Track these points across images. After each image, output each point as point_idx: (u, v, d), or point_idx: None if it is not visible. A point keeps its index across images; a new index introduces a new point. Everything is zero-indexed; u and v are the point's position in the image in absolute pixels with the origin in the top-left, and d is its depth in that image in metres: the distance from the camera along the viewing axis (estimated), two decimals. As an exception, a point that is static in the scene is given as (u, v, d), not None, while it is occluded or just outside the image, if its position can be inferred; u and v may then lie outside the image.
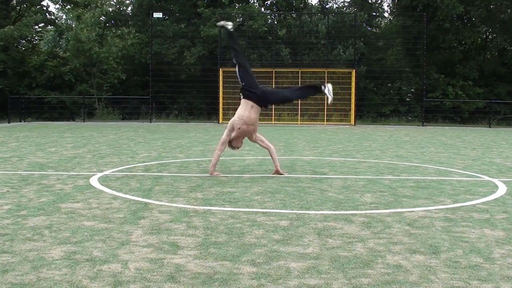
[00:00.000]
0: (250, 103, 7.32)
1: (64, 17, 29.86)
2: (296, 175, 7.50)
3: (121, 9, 32.60)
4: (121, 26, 31.33)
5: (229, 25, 7.78)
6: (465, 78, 28.12)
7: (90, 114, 26.56)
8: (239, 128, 7.29)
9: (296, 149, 11.70)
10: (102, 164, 8.55)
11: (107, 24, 31.49)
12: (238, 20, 28.87)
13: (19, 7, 31.12)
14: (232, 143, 7.50)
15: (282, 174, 7.37)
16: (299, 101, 25.17)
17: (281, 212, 4.99)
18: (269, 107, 7.35)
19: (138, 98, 27.26)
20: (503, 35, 29.71)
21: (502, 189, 6.50)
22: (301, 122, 25.06)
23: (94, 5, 28.49)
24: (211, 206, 5.24)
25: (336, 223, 4.58)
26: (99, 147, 11.64)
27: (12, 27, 26.58)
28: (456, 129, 22.64)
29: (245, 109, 7.32)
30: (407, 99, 27.67)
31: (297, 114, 25.48)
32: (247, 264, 3.45)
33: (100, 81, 27.34)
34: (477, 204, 5.55)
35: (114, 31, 29.37)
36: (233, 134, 7.34)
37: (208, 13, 27.29)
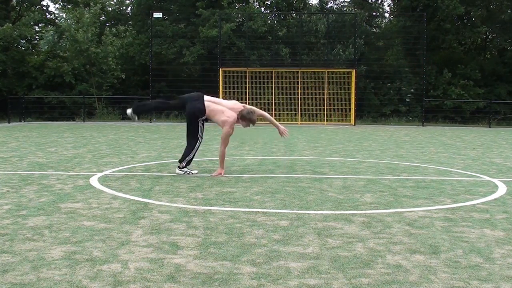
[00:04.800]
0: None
1: (64, 16, 29.87)
2: (296, 175, 7.50)
3: (121, 8, 32.59)
4: (119, 25, 31.30)
5: (131, 115, 7.89)
6: (465, 78, 28.11)
7: (90, 114, 26.55)
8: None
9: (296, 149, 11.70)
10: (102, 164, 8.55)
11: (107, 24, 31.48)
12: (238, 20, 28.87)
13: (19, 7, 31.12)
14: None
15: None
16: (299, 101, 25.22)
17: (281, 212, 4.99)
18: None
19: (138, 98, 27.25)
20: (504, 35, 29.71)
21: (502, 189, 6.50)
22: (301, 122, 25.06)
23: (93, 3, 28.48)
24: (211, 206, 5.24)
25: (336, 223, 4.58)
26: (99, 147, 11.64)
27: (10, 25, 26.57)
28: (456, 129, 22.64)
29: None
30: (407, 99, 27.68)
31: (297, 114, 25.48)
32: (247, 264, 3.45)
33: (100, 81, 27.34)
34: (477, 204, 5.55)
35: (112, 30, 29.36)
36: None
37: (207, 13, 27.29)
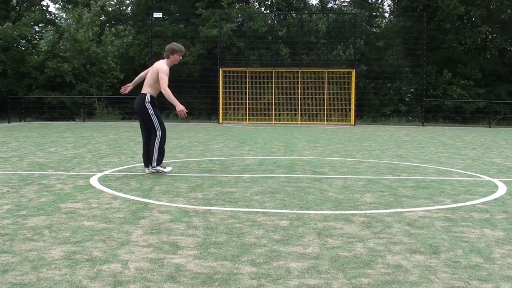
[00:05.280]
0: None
1: (64, 16, 29.90)
2: (296, 175, 7.50)
3: (121, 8, 32.58)
4: (119, 25, 31.32)
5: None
6: (466, 78, 28.12)
7: (90, 114, 26.56)
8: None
9: (296, 149, 11.70)
10: (102, 164, 8.55)
11: (107, 24, 31.48)
12: (238, 20, 28.88)
13: (19, 7, 31.13)
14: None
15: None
16: (299, 101, 25.23)
17: (281, 212, 4.99)
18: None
19: (138, 98, 27.24)
20: (504, 35, 29.71)
21: (502, 189, 6.50)
22: (301, 122, 25.06)
23: (93, 1, 28.49)
24: (211, 206, 5.24)
25: (336, 223, 4.58)
26: (99, 147, 11.64)
27: (10, 24, 26.56)
28: (456, 129, 22.63)
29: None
30: (407, 99, 27.69)
31: (297, 114, 25.48)
32: (247, 264, 3.45)
33: (100, 81, 27.33)
34: (477, 204, 5.55)
35: (112, 30, 29.38)
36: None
37: (207, 13, 27.28)
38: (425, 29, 25.89)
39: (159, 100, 7.64)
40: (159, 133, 7.42)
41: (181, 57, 7.63)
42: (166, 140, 7.81)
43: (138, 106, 7.47)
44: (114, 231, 4.24)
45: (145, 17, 28.75)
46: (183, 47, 7.73)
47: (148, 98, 7.41)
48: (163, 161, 7.62)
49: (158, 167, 7.38)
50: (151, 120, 7.40)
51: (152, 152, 7.40)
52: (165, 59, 7.54)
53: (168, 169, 7.50)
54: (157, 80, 7.39)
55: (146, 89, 7.47)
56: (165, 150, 7.79)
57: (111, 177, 7.15)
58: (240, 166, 8.46)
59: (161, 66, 7.39)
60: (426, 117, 25.81)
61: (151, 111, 7.38)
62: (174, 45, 7.64)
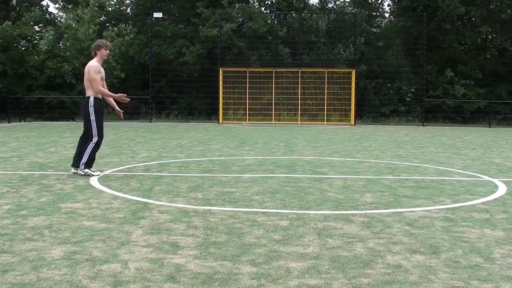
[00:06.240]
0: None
1: (64, 16, 29.87)
2: (296, 175, 7.50)
3: (121, 8, 32.57)
4: (120, 24, 31.33)
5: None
6: (466, 78, 28.10)
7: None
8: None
9: (296, 149, 11.70)
10: (102, 164, 8.54)
11: (107, 24, 31.47)
12: (238, 20, 28.88)
13: (19, 7, 31.13)
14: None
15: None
16: (299, 101, 25.23)
17: (281, 212, 4.99)
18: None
19: (138, 98, 27.26)
20: (504, 35, 29.70)
21: (502, 189, 6.50)
22: (301, 122, 25.05)
23: (93, 1, 28.49)
24: (211, 206, 5.24)
25: (336, 223, 4.58)
26: (99, 147, 11.63)
27: (10, 23, 26.54)
28: (456, 129, 22.63)
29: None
30: (407, 99, 27.68)
31: (297, 114, 25.48)
32: (247, 264, 3.45)
33: (100, 80, 27.26)
34: (477, 204, 5.55)
35: (114, 29, 29.35)
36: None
37: (207, 13, 27.29)
38: (425, 29, 25.87)
39: (103, 102, 7.66)
40: (95, 139, 7.40)
41: (107, 51, 7.68)
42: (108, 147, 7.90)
43: (82, 109, 7.54)
44: (114, 231, 4.24)
45: (145, 17, 28.73)
46: (107, 41, 7.83)
47: (91, 101, 7.42)
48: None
49: (87, 170, 7.29)
50: (90, 125, 7.43)
51: (83, 155, 7.35)
52: (94, 58, 7.59)
53: (97, 173, 7.37)
54: (90, 74, 7.44)
55: (89, 92, 7.48)
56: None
57: (111, 177, 7.15)
58: (240, 166, 8.46)
59: (92, 66, 7.45)
60: (426, 117, 25.79)
61: (92, 117, 7.40)
62: (98, 40, 7.76)
